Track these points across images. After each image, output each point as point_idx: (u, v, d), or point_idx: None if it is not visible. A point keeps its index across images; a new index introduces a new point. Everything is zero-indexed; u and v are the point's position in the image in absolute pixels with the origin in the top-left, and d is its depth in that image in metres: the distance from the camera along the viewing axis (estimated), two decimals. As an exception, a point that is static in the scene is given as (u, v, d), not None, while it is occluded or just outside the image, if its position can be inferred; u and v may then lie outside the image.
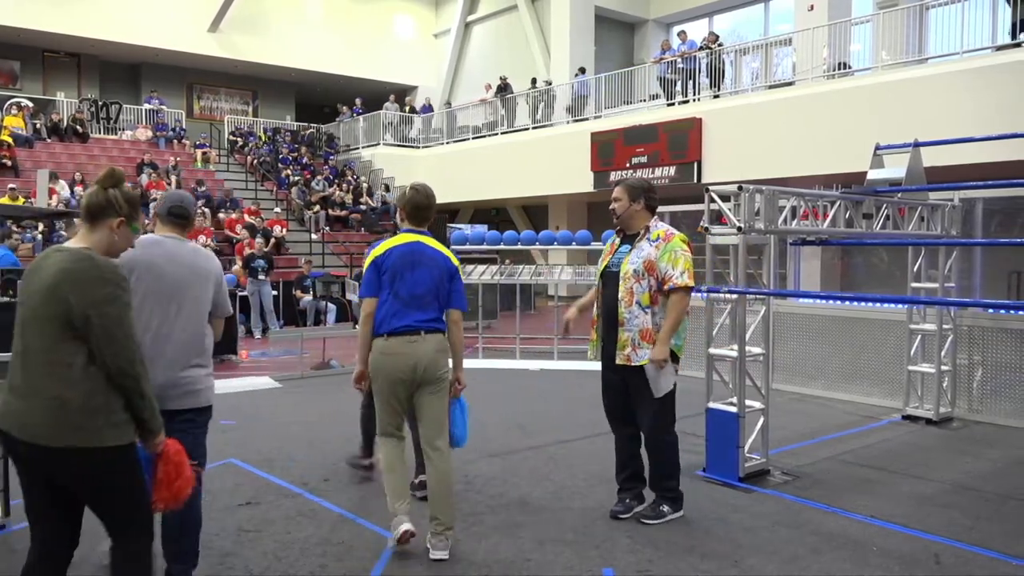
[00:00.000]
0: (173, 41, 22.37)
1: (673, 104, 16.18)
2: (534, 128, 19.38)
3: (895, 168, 6.15)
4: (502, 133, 20.24)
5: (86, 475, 2.53)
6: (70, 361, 2.45)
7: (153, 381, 2.78)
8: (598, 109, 18.05)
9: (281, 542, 4.01)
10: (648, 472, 4.44)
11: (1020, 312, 6.56)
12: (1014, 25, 11.81)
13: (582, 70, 19.40)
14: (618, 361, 4.25)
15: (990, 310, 6.73)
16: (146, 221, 6.68)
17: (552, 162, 17.86)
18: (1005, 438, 6.23)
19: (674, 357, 4.26)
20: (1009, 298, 8.88)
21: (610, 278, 4.36)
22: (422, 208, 3.97)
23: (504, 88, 20.77)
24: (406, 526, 3.77)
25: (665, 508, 4.32)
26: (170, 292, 3.23)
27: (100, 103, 21.86)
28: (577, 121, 18.30)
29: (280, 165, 21.21)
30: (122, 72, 24.11)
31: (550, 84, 20.13)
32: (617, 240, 4.48)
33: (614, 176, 16.29)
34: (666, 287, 4.18)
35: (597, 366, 4.52)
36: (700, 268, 5.18)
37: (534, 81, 20.50)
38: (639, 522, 4.25)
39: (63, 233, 13.84)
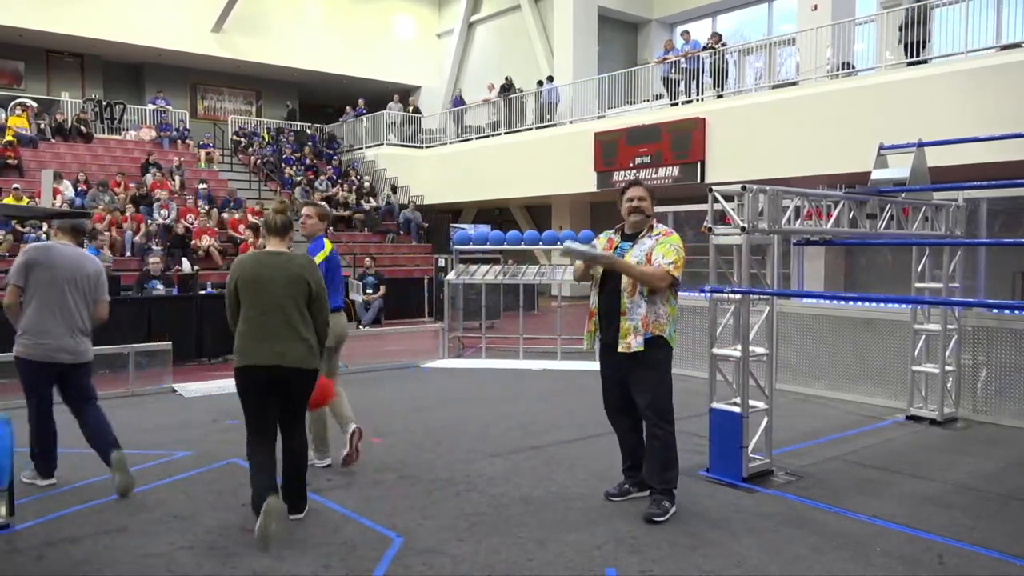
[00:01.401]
0: (176, 41, 22.43)
1: (676, 104, 16.16)
2: (537, 128, 19.39)
3: (899, 168, 6.14)
4: (505, 133, 20.25)
5: (310, 385, 4.27)
6: (308, 318, 4.18)
7: (55, 342, 4.65)
8: (601, 109, 18.05)
9: (283, 542, 4.01)
10: (648, 465, 4.45)
11: (1024, 312, 6.54)
12: (906, 46, 12.52)
13: (550, 79, 19.91)
14: (620, 349, 4.36)
15: (994, 310, 6.70)
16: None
17: (555, 162, 17.87)
18: (1009, 438, 6.22)
19: (667, 345, 4.42)
20: (1014, 298, 8.87)
21: (611, 272, 4.46)
22: (331, 222, 5.48)
23: (507, 88, 20.79)
24: (355, 425, 5.19)
25: (667, 503, 4.34)
26: (57, 281, 4.67)
27: (104, 103, 21.91)
28: (573, 122, 18.32)
29: (283, 165, 21.23)
30: (125, 72, 24.18)
31: (521, 91, 20.38)
32: (616, 237, 4.60)
33: (617, 176, 16.29)
34: None
35: (599, 366, 4.56)
36: (704, 268, 5.20)
37: (508, 86, 20.87)
38: (649, 522, 4.24)
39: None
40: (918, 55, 12.44)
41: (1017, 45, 11.38)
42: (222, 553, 3.86)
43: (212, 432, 6.31)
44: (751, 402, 5.07)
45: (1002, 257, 9.01)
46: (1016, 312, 6.58)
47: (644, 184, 4.66)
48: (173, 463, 5.44)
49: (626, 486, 4.66)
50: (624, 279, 4.36)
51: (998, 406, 6.71)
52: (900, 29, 12.67)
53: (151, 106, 22.75)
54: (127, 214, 15.36)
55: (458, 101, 23.31)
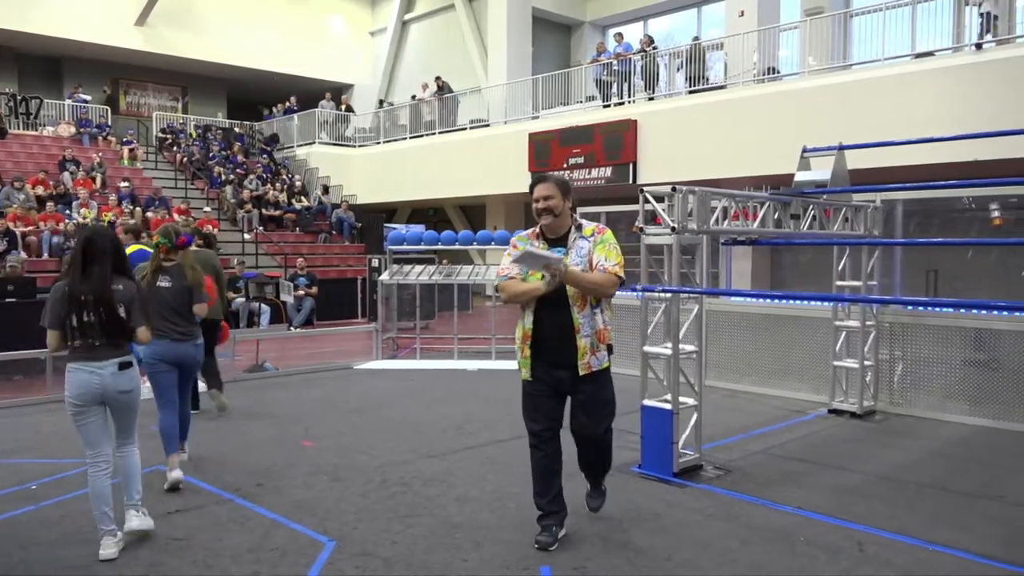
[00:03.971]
0: (97, 34, 21.63)
1: (609, 106, 16.36)
2: (471, 128, 19.37)
3: (821, 170, 6.36)
4: (439, 133, 20.16)
5: (217, 328, 6.73)
6: (216, 289, 6.36)
7: None
8: (535, 110, 18.14)
9: (211, 550, 3.91)
10: (588, 466, 4.29)
11: (937, 309, 6.86)
12: (688, 78, 14.87)
13: (450, 88, 20.57)
14: (581, 372, 3.89)
15: (909, 307, 7.02)
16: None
17: (490, 162, 17.87)
18: (924, 430, 6.50)
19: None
20: (927, 295, 9.27)
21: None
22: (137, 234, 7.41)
23: (441, 88, 20.69)
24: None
25: (604, 489, 4.35)
26: None
27: (19, 97, 20.92)
28: (510, 122, 18.38)
29: (211, 163, 20.65)
30: (42, 66, 23.13)
31: (452, 90, 20.58)
32: (540, 243, 3.97)
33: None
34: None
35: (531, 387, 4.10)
36: (635, 268, 5.27)
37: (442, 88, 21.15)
38: (591, 511, 4.30)
39: None
40: (698, 84, 14.53)
41: (930, 54, 11.90)
42: (145, 563, 3.74)
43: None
44: (681, 399, 5.18)
45: (916, 256, 9.39)
46: (929, 308, 6.89)
47: (553, 179, 4.00)
48: (94, 471, 5.23)
49: (554, 528, 4.02)
50: (571, 291, 3.84)
51: (913, 399, 7.02)
52: (724, 53, 14.57)
53: (69, 101, 21.83)
54: (45, 212, 14.73)
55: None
